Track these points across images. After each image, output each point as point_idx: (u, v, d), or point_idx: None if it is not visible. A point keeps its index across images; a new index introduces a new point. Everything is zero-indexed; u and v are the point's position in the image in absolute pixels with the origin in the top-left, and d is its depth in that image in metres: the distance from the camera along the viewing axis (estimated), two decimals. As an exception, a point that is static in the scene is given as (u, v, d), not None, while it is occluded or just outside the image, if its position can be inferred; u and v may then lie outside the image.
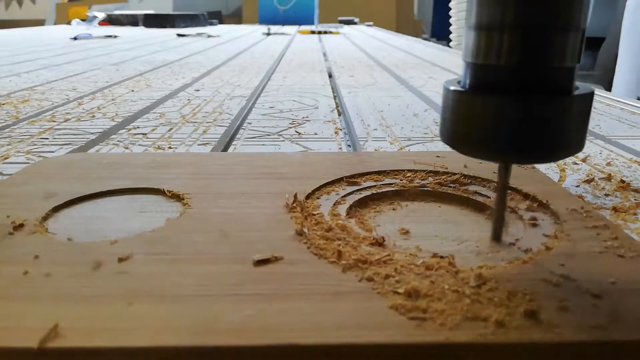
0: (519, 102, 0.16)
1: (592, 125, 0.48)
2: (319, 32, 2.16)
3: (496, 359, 0.14)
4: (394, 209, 0.24)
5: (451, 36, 2.00)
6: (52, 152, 0.38)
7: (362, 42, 1.68)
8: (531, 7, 0.16)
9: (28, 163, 0.35)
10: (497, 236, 0.20)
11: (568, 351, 0.14)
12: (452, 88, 0.18)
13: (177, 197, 0.25)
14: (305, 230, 0.21)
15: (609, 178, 0.32)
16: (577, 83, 0.18)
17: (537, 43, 0.16)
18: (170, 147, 0.40)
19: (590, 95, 0.17)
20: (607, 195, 0.29)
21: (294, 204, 0.23)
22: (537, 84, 0.16)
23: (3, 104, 0.57)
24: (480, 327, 0.14)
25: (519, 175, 0.27)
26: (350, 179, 0.27)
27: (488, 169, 0.28)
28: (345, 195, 0.25)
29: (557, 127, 0.17)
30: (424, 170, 0.28)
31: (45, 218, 0.22)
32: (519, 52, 0.16)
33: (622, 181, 0.31)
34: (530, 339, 0.14)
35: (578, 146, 0.18)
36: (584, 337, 0.14)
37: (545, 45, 0.16)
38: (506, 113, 0.17)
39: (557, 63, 0.16)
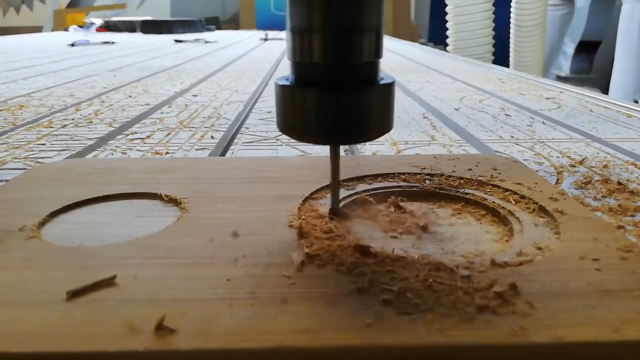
0: (332, 94, 0.19)
1: (589, 128, 0.48)
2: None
3: (491, 358, 0.14)
4: (391, 211, 0.24)
5: (448, 40, 2.01)
6: (50, 158, 0.38)
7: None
8: (330, 14, 0.18)
9: (25, 169, 0.35)
10: (335, 211, 0.23)
11: (563, 351, 0.14)
12: (279, 83, 0.20)
13: (174, 201, 0.25)
14: (302, 233, 0.21)
15: (606, 180, 0.32)
16: (382, 74, 0.21)
17: (340, 44, 0.19)
18: (167, 153, 0.40)
19: (391, 84, 0.20)
20: (604, 197, 0.29)
21: (292, 208, 0.23)
22: (346, 77, 0.19)
23: (0, 111, 0.57)
24: (473, 327, 0.14)
25: (517, 178, 0.27)
26: (348, 182, 0.27)
27: (483, 171, 0.28)
28: (342, 199, 0.25)
29: (366, 112, 0.20)
30: (421, 173, 0.28)
31: (43, 223, 0.22)
32: (326, 51, 0.19)
33: (619, 183, 0.31)
34: (524, 339, 0.14)
35: (387, 126, 0.21)
36: (578, 338, 0.14)
37: (348, 44, 0.19)
38: (324, 103, 0.19)
39: (359, 59, 0.19)
